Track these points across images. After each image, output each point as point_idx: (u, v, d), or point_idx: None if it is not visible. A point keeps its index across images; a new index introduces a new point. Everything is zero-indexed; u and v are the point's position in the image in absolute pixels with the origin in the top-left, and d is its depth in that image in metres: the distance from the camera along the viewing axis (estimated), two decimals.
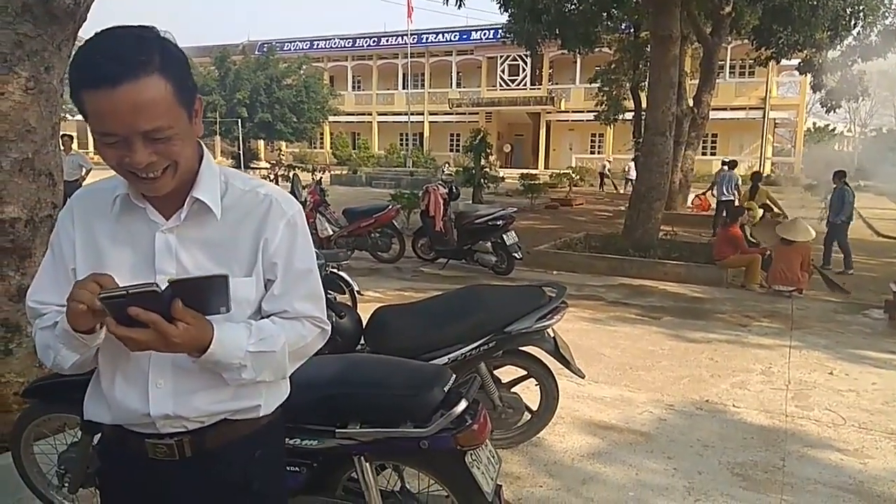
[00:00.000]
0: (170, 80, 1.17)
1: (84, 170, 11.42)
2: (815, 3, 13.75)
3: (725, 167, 14.38)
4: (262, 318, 1.36)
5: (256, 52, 38.35)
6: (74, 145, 13.92)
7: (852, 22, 15.73)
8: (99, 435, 1.50)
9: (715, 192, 14.67)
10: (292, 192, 9.31)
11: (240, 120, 32.85)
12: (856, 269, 10.28)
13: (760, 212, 12.23)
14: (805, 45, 16.93)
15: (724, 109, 31.94)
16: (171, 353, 1.22)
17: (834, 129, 62.57)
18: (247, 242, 1.33)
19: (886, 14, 16.74)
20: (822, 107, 21.31)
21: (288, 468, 2.18)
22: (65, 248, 1.34)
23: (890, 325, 6.80)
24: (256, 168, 33.82)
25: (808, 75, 20.12)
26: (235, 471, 1.39)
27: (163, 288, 1.13)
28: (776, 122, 36.42)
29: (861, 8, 15.35)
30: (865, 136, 63.58)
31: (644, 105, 14.34)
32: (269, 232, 1.33)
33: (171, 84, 1.17)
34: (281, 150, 37.82)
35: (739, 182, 14.08)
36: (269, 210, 1.34)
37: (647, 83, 12.58)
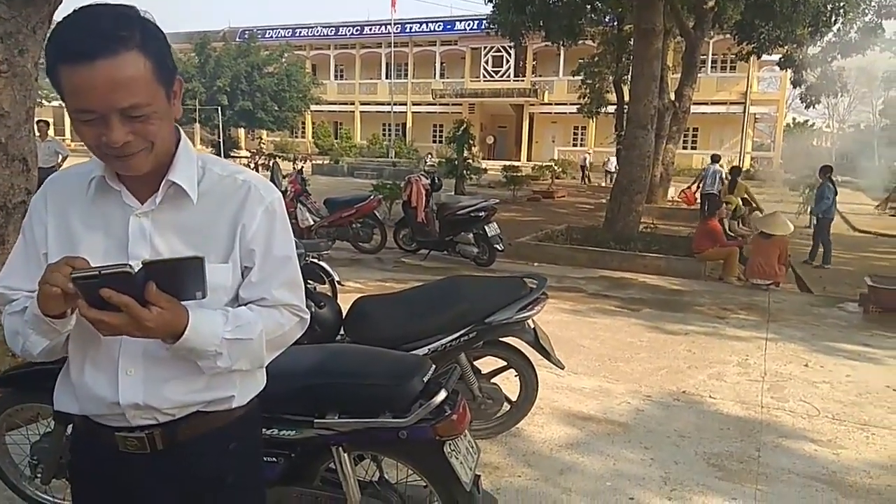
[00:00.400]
0: (149, 57, 1.15)
1: (60, 156, 11.21)
2: None
3: (711, 161, 14.67)
4: (240, 305, 1.33)
5: (237, 39, 37.93)
6: (51, 131, 13.67)
7: (833, 18, 15.92)
8: (72, 426, 1.47)
9: (701, 185, 14.98)
10: (272, 181, 9.23)
11: (220, 108, 32.49)
12: (833, 264, 10.44)
13: (739, 201, 12.38)
14: (786, 41, 17.10)
15: (706, 104, 32.19)
16: (144, 340, 1.19)
17: (813, 125, 63.36)
18: (223, 228, 1.30)
19: (866, 11, 16.96)
20: (802, 102, 21.58)
21: (265, 459, 2.17)
22: (36, 233, 1.31)
23: (864, 319, 6.91)
24: (237, 157, 33.51)
25: (789, 71, 20.33)
26: (208, 464, 1.37)
27: (136, 269, 1.10)
28: (756, 116, 36.82)
29: (841, 5, 15.53)
30: (844, 132, 64.49)
31: (626, 98, 14.40)
32: (247, 218, 1.30)
33: (151, 61, 1.15)
34: (262, 139, 37.51)
35: (724, 176, 14.33)
36: (248, 196, 1.31)
37: (629, 76, 12.63)
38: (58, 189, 1.33)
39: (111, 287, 1.08)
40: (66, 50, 1.11)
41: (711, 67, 34.40)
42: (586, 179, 28.67)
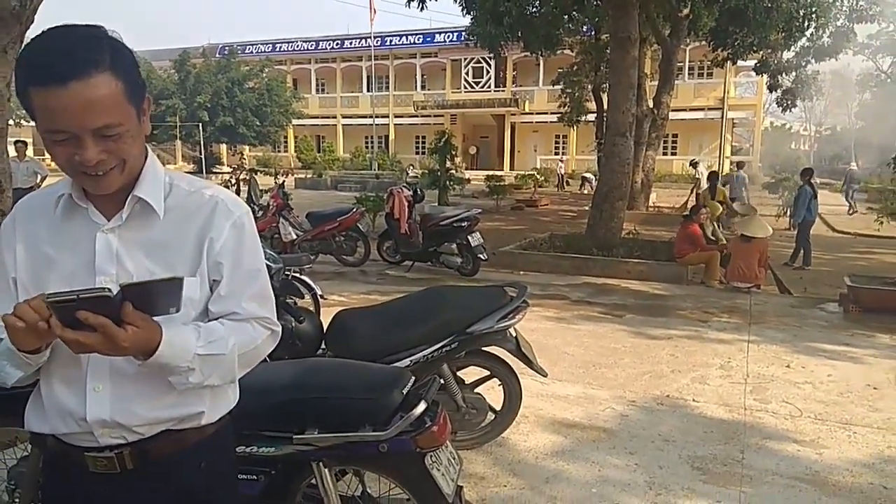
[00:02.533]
0: (120, 78, 1.16)
1: (39, 176, 11.10)
2: (769, 5, 14.07)
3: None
4: (210, 320, 1.33)
5: (217, 55, 37.79)
6: (30, 151, 13.53)
7: (805, 24, 16.14)
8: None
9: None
10: (249, 196, 9.21)
11: (201, 124, 32.34)
12: (812, 265, 10.56)
13: (720, 207, 12.54)
14: (760, 47, 17.34)
15: (684, 110, 32.54)
16: (115, 357, 1.19)
17: (790, 128, 64.27)
18: (190, 242, 1.31)
19: (838, 16, 17.25)
20: (779, 106, 21.85)
21: (245, 476, 2.15)
22: (6, 258, 1.31)
23: (845, 319, 6.99)
24: (218, 172, 33.33)
25: (765, 76, 20.60)
26: (180, 483, 1.36)
27: (115, 292, 1.09)
28: (734, 121, 37.22)
29: (813, 10, 15.77)
30: (821, 135, 65.44)
31: (606, 106, 14.53)
32: (215, 231, 1.31)
33: (122, 82, 1.17)
34: (243, 154, 37.34)
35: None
36: (215, 210, 1.32)
37: (608, 85, 12.76)
38: (26, 212, 1.34)
39: (88, 308, 1.07)
40: (38, 73, 1.12)
41: (689, 74, 34.80)
42: (561, 186, 28.86)
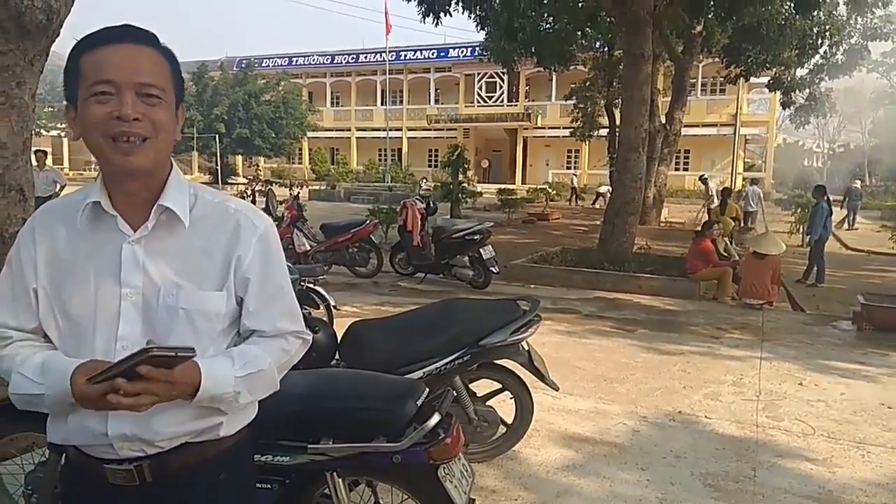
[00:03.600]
0: (168, 63, 1.28)
1: (58, 185, 11.25)
2: (782, 22, 14.13)
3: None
4: (242, 336, 1.39)
5: (234, 69, 38.23)
6: (49, 160, 13.73)
7: (818, 41, 16.19)
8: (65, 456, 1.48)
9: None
10: (267, 208, 9.29)
11: (217, 135, 32.69)
12: (825, 282, 10.49)
13: (731, 222, 12.53)
14: (773, 64, 17.37)
15: (696, 126, 32.48)
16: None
17: (803, 145, 63.96)
18: (218, 256, 1.33)
19: (852, 34, 17.25)
20: (792, 123, 21.80)
21: (259, 485, 2.17)
22: (25, 268, 1.32)
23: (858, 337, 6.94)
24: (234, 183, 33.62)
25: (778, 92, 20.58)
26: (199, 495, 1.37)
27: (148, 349, 1.15)
28: (747, 138, 37.10)
29: (827, 28, 15.81)
30: (834, 152, 65.09)
31: (618, 122, 14.57)
32: (242, 248, 1.34)
33: (168, 65, 1.27)
34: (259, 166, 37.65)
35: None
36: (240, 226, 1.35)
37: (620, 100, 12.81)
38: (46, 220, 1.34)
39: (153, 364, 1.15)
40: (94, 38, 1.23)
41: (701, 90, 34.75)
42: (574, 201, 28.76)
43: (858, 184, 24.92)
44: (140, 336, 1.28)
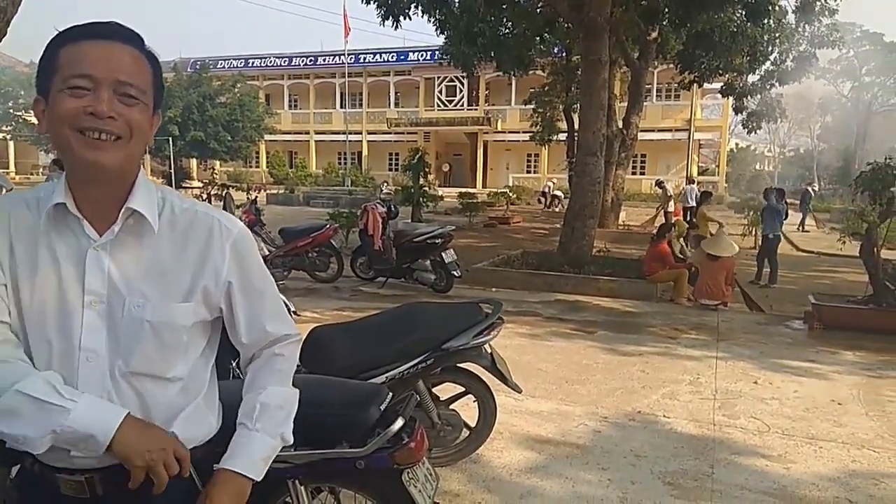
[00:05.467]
0: (151, 66, 1.24)
1: (4, 189, 10.87)
2: (734, 30, 14.51)
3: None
4: (250, 357, 1.43)
5: (189, 70, 37.49)
6: None
7: (769, 48, 16.68)
8: (17, 467, 1.39)
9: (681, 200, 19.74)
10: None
11: (171, 138, 31.98)
12: (778, 283, 10.79)
13: (685, 224, 12.84)
14: (726, 70, 17.81)
15: (652, 131, 33.19)
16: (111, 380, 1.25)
17: (755, 150, 65.87)
18: (188, 265, 1.28)
19: (800, 42, 17.81)
20: (744, 128, 22.38)
21: None
22: None
23: (809, 336, 7.16)
24: (188, 187, 32.93)
25: (730, 98, 21.12)
26: None
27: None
28: (701, 142, 38.09)
29: (777, 36, 16.29)
30: (784, 157, 67.18)
31: (576, 126, 14.76)
32: (216, 255, 1.30)
33: (151, 69, 1.24)
34: (214, 169, 36.98)
35: (698, 193, 17.80)
36: (212, 232, 1.30)
37: (578, 105, 12.99)
38: (5, 215, 1.24)
39: None
40: (79, 31, 1.19)
41: (657, 96, 35.51)
42: (548, 205, 28.55)
43: (812, 187, 26.01)
44: (105, 348, 1.23)
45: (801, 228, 21.33)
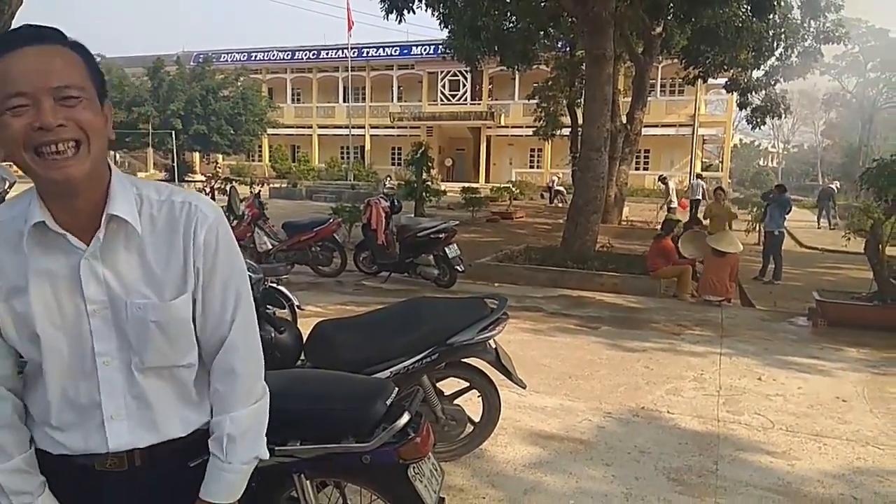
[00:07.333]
0: (79, 54, 1.18)
1: (7, 183, 10.85)
2: (739, 25, 14.44)
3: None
4: (204, 357, 1.38)
5: (192, 63, 37.50)
6: None
7: (774, 44, 16.62)
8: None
9: (689, 194, 20.62)
10: (229, 206, 9.12)
11: (174, 132, 31.99)
12: (782, 279, 10.77)
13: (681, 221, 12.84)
14: (731, 65, 17.77)
15: (656, 126, 33.08)
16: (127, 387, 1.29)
17: (759, 145, 65.74)
18: (176, 257, 1.28)
19: (805, 37, 17.75)
20: (748, 124, 22.34)
21: None
22: None
23: (813, 332, 7.14)
24: (192, 181, 32.96)
25: (735, 94, 21.07)
26: (168, 478, 1.38)
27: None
28: (704, 138, 37.96)
29: (782, 31, 16.24)
30: (788, 153, 67.03)
31: (580, 121, 14.74)
32: (196, 241, 1.29)
33: (81, 58, 1.18)
34: (217, 163, 37.00)
35: (705, 188, 19.15)
36: (190, 218, 1.29)
37: (582, 100, 12.94)
38: None
39: None
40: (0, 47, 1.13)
41: (661, 91, 35.40)
42: (555, 201, 28.41)
43: (836, 185, 25.98)
44: (117, 349, 1.26)
45: (829, 226, 21.22)
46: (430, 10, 14.81)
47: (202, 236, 1.29)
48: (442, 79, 40.78)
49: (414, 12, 14.12)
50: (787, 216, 11.38)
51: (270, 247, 9.40)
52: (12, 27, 3.33)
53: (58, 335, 1.23)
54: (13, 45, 1.12)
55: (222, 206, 8.47)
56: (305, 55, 44.15)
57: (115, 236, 1.23)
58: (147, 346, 1.26)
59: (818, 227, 21.01)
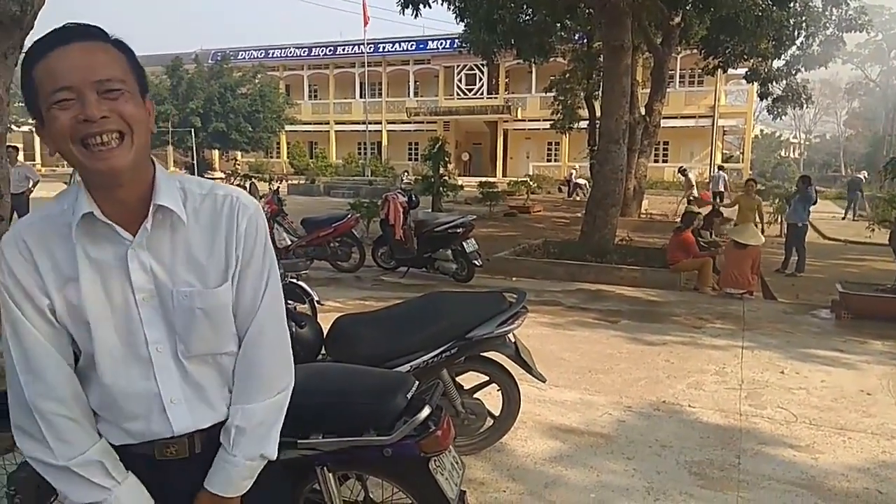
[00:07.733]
0: (123, 54, 1.23)
1: (31, 181, 11.05)
2: (759, 14, 14.22)
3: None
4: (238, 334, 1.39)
5: (210, 61, 37.72)
6: (21, 156, 13.47)
7: (795, 32, 16.37)
8: None
9: (710, 186, 21.22)
10: None
11: (193, 129, 32.25)
12: (805, 271, 10.64)
13: (701, 213, 12.72)
14: (751, 55, 17.50)
15: (675, 118, 32.74)
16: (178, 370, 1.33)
17: (780, 136, 64.84)
18: (220, 247, 1.33)
19: (827, 25, 17.45)
20: (769, 114, 22.05)
21: None
22: (33, 291, 1.24)
23: (837, 325, 7.05)
24: (211, 178, 33.17)
25: (755, 84, 20.77)
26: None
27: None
28: (725, 129, 37.53)
29: (803, 19, 15.98)
30: (810, 143, 66.06)
31: (598, 114, 14.63)
32: (238, 230, 1.33)
33: (124, 55, 1.22)
34: (236, 160, 37.26)
35: (727, 179, 20.12)
36: (233, 211, 1.34)
37: (600, 92, 12.86)
38: (37, 236, 1.26)
39: None
40: (42, 45, 1.17)
41: (680, 82, 35.02)
42: (574, 195, 28.18)
43: (863, 174, 25.52)
44: (166, 337, 1.30)
45: (853, 217, 21.00)
46: (445, 5, 14.77)
47: (244, 226, 1.34)
48: (458, 73, 40.68)
49: (430, 6, 14.08)
50: (811, 209, 11.21)
51: (290, 243, 9.48)
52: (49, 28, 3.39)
53: (108, 324, 1.27)
54: (59, 43, 1.16)
55: None
56: (322, 51, 44.28)
57: (161, 226, 1.28)
58: (192, 334, 1.31)
59: (843, 219, 20.65)
